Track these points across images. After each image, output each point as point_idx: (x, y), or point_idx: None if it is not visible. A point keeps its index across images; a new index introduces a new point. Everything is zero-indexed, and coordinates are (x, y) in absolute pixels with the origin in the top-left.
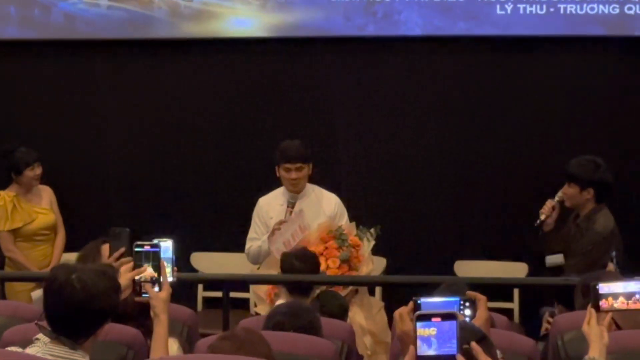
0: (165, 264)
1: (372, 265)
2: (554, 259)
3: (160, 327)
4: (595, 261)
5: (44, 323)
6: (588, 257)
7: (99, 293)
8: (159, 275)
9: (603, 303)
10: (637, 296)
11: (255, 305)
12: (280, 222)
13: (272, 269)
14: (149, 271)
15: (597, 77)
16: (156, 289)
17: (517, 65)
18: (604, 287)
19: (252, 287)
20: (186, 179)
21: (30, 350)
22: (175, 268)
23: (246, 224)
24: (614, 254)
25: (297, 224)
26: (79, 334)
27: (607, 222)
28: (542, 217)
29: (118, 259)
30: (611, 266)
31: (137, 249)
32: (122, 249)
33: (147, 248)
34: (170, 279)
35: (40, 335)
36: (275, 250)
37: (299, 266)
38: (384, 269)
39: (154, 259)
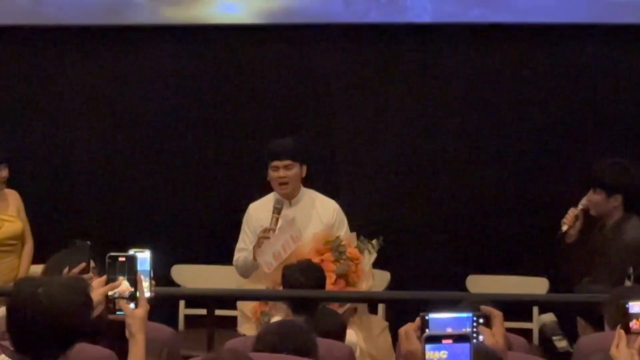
0: (142, 277)
1: (373, 282)
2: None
3: (136, 347)
4: (624, 276)
5: (7, 343)
6: (615, 271)
7: (68, 309)
8: (136, 290)
9: (633, 324)
10: None
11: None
12: (265, 230)
13: (260, 284)
14: (124, 285)
15: (628, 69)
16: (132, 305)
17: (537, 57)
18: (634, 307)
19: (238, 304)
20: (166, 182)
21: None
22: (153, 282)
23: (234, 233)
24: (631, 270)
25: (289, 234)
26: (46, 354)
27: (637, 233)
28: (565, 227)
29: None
30: (628, 283)
31: (110, 261)
32: (82, 265)
33: (122, 259)
34: (147, 294)
35: (2, 357)
36: (264, 263)
37: (303, 281)
38: (388, 284)
39: (130, 271)
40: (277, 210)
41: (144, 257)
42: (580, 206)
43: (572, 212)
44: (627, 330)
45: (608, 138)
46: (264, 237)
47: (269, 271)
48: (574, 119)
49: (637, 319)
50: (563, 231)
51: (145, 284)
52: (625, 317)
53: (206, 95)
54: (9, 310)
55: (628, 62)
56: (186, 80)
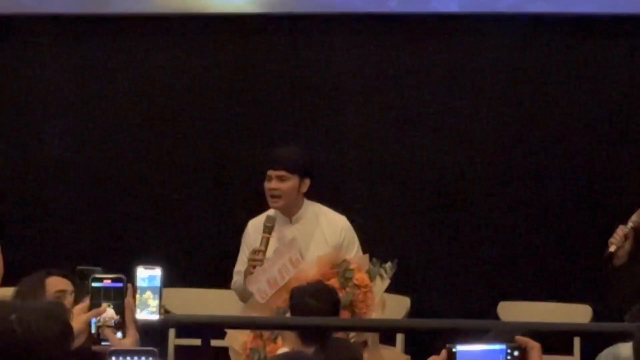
0: (130, 303)
1: (383, 313)
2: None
3: None
4: None
5: None
6: None
7: (45, 339)
8: (123, 317)
9: None
10: None
11: None
12: (254, 252)
13: (255, 313)
14: (109, 312)
15: None
16: (119, 334)
17: (576, 50)
18: None
19: (227, 339)
20: (154, 195)
21: None
22: (164, 304)
23: (230, 253)
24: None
25: (287, 257)
26: None
27: None
28: (612, 248)
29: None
30: None
31: (94, 284)
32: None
33: (107, 283)
34: (156, 316)
35: None
36: (257, 291)
37: (314, 305)
38: (407, 311)
39: (116, 296)
40: (268, 230)
41: (154, 274)
42: (630, 224)
43: (620, 231)
44: None
45: None
46: (253, 259)
47: (263, 300)
48: (627, 120)
49: None
50: (611, 252)
51: (155, 303)
52: None
53: (203, 93)
54: None
55: None
56: (180, 75)
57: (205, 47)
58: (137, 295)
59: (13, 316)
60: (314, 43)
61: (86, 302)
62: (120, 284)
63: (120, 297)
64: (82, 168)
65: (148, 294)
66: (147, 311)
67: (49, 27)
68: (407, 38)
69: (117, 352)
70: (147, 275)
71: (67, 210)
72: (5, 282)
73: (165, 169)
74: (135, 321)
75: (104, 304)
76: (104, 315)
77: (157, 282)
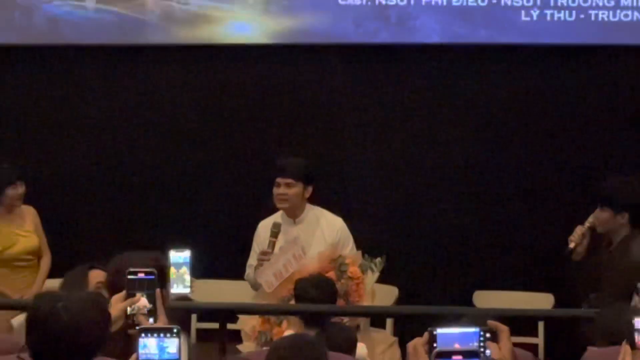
0: (159, 293)
1: (373, 302)
2: None
3: None
4: (630, 293)
5: (26, 355)
6: (622, 288)
7: (87, 324)
8: (155, 305)
9: (639, 340)
10: None
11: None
12: (263, 253)
13: (268, 300)
14: (143, 301)
15: (631, 89)
16: (151, 320)
17: (544, 76)
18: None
19: (239, 323)
20: (181, 198)
21: None
22: (193, 279)
23: (245, 248)
24: (639, 285)
25: (291, 253)
26: None
27: None
28: (572, 245)
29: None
30: (636, 299)
31: (130, 277)
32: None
33: (141, 275)
34: (187, 290)
35: None
36: (264, 282)
37: (315, 294)
38: (396, 299)
39: (149, 287)
40: (274, 234)
41: (185, 255)
42: (587, 224)
43: (579, 230)
44: (633, 346)
45: (617, 156)
46: (262, 259)
47: (270, 290)
48: (583, 136)
49: None
50: (571, 248)
51: (187, 278)
52: (631, 333)
53: (219, 114)
54: (28, 325)
55: (633, 82)
56: (200, 98)
57: (224, 71)
58: (173, 270)
59: (60, 305)
60: (314, 69)
61: (123, 292)
62: (152, 277)
63: (152, 288)
64: (122, 174)
65: (184, 269)
66: (182, 286)
67: (86, 55)
68: (395, 65)
69: (146, 330)
70: (178, 256)
71: (110, 211)
72: (57, 275)
73: (187, 177)
74: (164, 309)
75: (138, 294)
76: (138, 303)
77: (187, 264)
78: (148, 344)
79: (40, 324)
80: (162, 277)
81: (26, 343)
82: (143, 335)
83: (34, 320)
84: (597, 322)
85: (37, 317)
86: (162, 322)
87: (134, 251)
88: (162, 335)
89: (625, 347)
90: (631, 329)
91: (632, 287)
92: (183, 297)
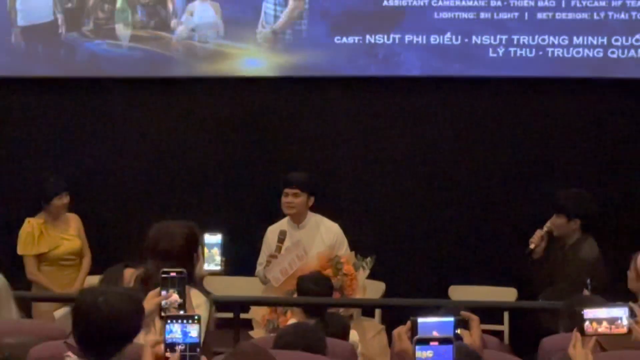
0: (189, 290)
1: (365, 295)
2: None
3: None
4: (580, 287)
5: (72, 341)
6: (573, 283)
7: (124, 316)
8: (184, 300)
9: (588, 327)
10: (619, 321)
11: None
12: (271, 256)
13: (272, 295)
14: (174, 297)
15: (582, 115)
16: (181, 312)
17: (508, 104)
18: (589, 313)
19: (251, 312)
20: (200, 208)
21: None
22: (224, 259)
23: (255, 250)
24: (588, 280)
25: (294, 253)
26: (104, 353)
27: (592, 251)
28: (532, 246)
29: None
30: (586, 292)
31: (164, 275)
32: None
33: (173, 274)
34: (217, 267)
35: (70, 353)
36: (273, 278)
37: (314, 289)
38: (383, 293)
39: (180, 284)
40: (281, 240)
41: (217, 238)
42: (545, 228)
43: (538, 234)
44: (582, 333)
45: (568, 172)
46: (270, 260)
47: (277, 285)
48: (541, 156)
49: (591, 323)
50: (531, 249)
51: (218, 258)
52: (581, 322)
53: (234, 135)
54: (74, 315)
55: (586, 109)
56: (218, 121)
57: (239, 99)
58: (206, 250)
59: (101, 299)
60: (314, 98)
61: (157, 289)
62: (183, 276)
63: (183, 285)
64: (147, 190)
65: (215, 250)
66: (213, 264)
67: (121, 86)
68: (382, 94)
69: (172, 317)
70: (211, 238)
71: (140, 217)
72: (98, 272)
73: (207, 193)
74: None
75: (171, 290)
76: (170, 299)
77: (219, 245)
78: (173, 329)
79: (84, 315)
80: (194, 243)
81: (72, 330)
82: (169, 321)
83: (78, 311)
84: (563, 312)
85: (81, 309)
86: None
87: (171, 220)
88: (185, 321)
89: (576, 334)
90: (581, 318)
91: (582, 282)
92: (214, 274)
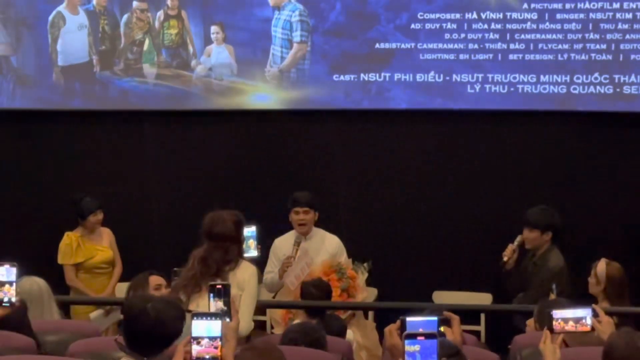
0: (241, 262)
1: (367, 293)
2: None
3: (229, 349)
4: (548, 292)
5: (121, 339)
6: (543, 289)
7: (168, 320)
8: (229, 308)
9: (556, 326)
10: (584, 320)
11: (272, 327)
12: (288, 257)
13: (287, 297)
14: (218, 304)
15: (548, 143)
16: (227, 319)
17: (484, 134)
18: (557, 313)
19: (269, 312)
20: None
21: None
22: (259, 246)
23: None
24: (554, 286)
25: (304, 261)
26: (150, 352)
27: (558, 261)
28: (505, 258)
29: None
30: (552, 296)
31: (211, 287)
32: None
33: (219, 287)
34: (255, 253)
35: (124, 357)
36: (289, 282)
37: (316, 293)
38: (376, 297)
39: (225, 295)
40: (297, 244)
41: (251, 229)
42: (516, 242)
43: (510, 247)
44: (551, 331)
45: (535, 191)
46: (287, 263)
47: (293, 288)
48: (512, 180)
49: (559, 323)
50: (504, 261)
51: (253, 244)
52: (550, 321)
53: (245, 160)
54: (125, 319)
55: (552, 138)
56: (231, 146)
57: (250, 128)
58: (245, 242)
59: (149, 305)
60: (315, 127)
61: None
62: (228, 287)
63: (227, 296)
64: (170, 210)
65: (251, 241)
66: (250, 252)
67: (148, 117)
68: (375, 125)
69: (197, 314)
70: (247, 230)
71: (164, 232)
72: (123, 280)
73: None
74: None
75: (215, 300)
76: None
77: (255, 235)
78: (198, 326)
79: (134, 318)
80: (241, 227)
81: (122, 332)
82: (195, 318)
83: (129, 315)
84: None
85: (131, 314)
86: (235, 321)
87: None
88: (209, 318)
89: (545, 332)
90: (550, 318)
91: (549, 288)
92: (252, 259)
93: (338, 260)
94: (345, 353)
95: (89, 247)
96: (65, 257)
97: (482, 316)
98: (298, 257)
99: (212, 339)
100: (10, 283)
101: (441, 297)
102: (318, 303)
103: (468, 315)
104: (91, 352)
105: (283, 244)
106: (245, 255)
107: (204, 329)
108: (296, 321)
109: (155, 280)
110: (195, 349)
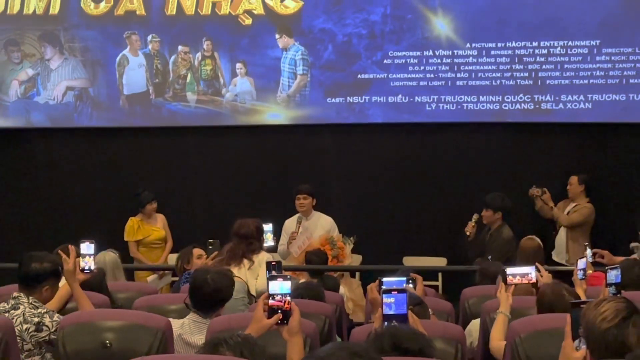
0: (260, 252)
1: (352, 259)
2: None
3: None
4: (500, 258)
5: (188, 300)
6: (500, 253)
7: (223, 287)
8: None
9: (509, 279)
10: (529, 275)
11: None
12: (292, 233)
13: (295, 263)
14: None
15: (487, 146)
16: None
17: (439, 140)
18: (510, 270)
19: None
20: (237, 213)
21: (186, 318)
22: (274, 238)
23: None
24: (490, 257)
25: (305, 236)
26: (210, 310)
27: (509, 234)
28: (467, 232)
29: (213, 258)
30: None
31: (267, 260)
32: (216, 252)
33: (273, 263)
34: (272, 243)
35: (191, 313)
36: (293, 251)
37: (316, 259)
38: (361, 262)
39: (278, 268)
40: (299, 222)
41: (268, 227)
42: (473, 220)
43: (470, 224)
44: (505, 282)
45: (473, 185)
46: (292, 237)
47: (297, 256)
48: (462, 170)
49: (511, 277)
50: (467, 235)
51: (272, 237)
52: (504, 276)
53: (261, 162)
54: (191, 286)
55: (489, 143)
56: (252, 155)
57: (265, 139)
58: (264, 235)
59: (208, 275)
60: (314, 138)
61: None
62: (280, 263)
63: (280, 269)
64: (210, 199)
65: (269, 234)
66: (268, 242)
67: (190, 133)
68: (359, 135)
69: (273, 276)
70: (266, 227)
71: (203, 217)
72: (173, 252)
73: (245, 204)
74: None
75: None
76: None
77: (271, 229)
78: (274, 285)
79: (198, 286)
80: (261, 229)
81: (189, 297)
82: (271, 279)
83: (194, 284)
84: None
85: (196, 282)
86: (296, 313)
87: (247, 217)
88: (281, 279)
89: (500, 283)
90: (504, 274)
91: (504, 255)
92: (270, 247)
93: (331, 235)
94: (338, 304)
95: (147, 228)
96: (129, 235)
97: (440, 275)
98: (300, 232)
99: (283, 294)
100: (90, 255)
101: (409, 261)
102: (317, 267)
103: (429, 274)
104: (150, 306)
105: (290, 223)
106: (265, 244)
107: (278, 287)
108: (302, 280)
109: (197, 251)
110: (270, 302)
